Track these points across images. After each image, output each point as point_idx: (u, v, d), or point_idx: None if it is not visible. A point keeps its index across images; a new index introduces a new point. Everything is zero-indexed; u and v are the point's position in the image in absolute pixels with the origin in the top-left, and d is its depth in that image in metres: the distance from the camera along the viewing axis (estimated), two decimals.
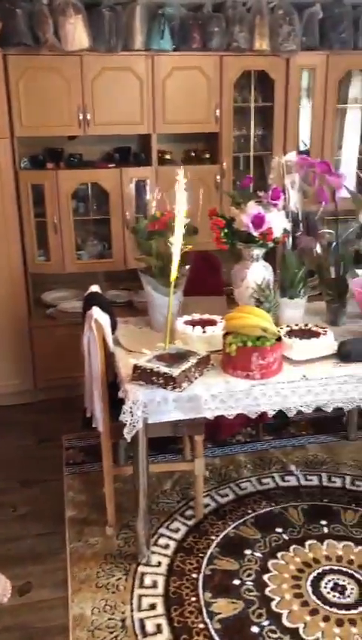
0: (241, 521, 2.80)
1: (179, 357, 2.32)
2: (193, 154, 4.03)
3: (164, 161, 3.92)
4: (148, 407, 2.27)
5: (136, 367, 2.28)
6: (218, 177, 3.90)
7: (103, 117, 3.65)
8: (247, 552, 2.61)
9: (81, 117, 3.61)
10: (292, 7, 3.67)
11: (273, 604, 2.33)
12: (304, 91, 3.94)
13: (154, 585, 2.45)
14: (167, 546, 2.66)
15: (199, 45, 3.69)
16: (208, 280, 3.38)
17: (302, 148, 4.01)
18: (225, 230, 2.57)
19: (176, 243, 2.32)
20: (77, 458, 3.33)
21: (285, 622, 2.25)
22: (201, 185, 3.69)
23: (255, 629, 2.23)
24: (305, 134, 4.02)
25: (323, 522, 2.77)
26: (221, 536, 2.71)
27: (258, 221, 2.48)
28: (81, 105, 3.60)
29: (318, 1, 3.73)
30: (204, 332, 2.51)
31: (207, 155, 4.00)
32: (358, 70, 3.98)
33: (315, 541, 2.65)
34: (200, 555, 2.60)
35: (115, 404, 2.52)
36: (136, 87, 3.66)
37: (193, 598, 2.38)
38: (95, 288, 2.89)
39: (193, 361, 2.30)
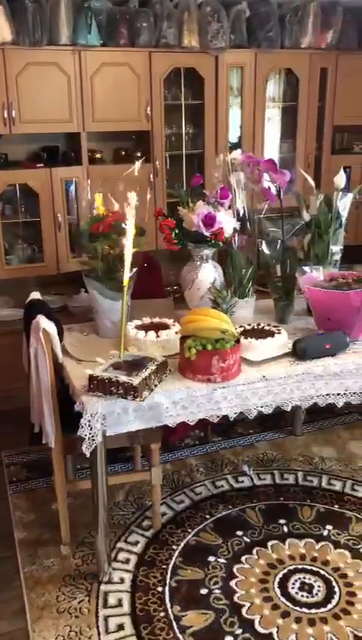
0: (201, 527, 2.74)
1: (136, 364, 2.23)
2: (124, 153, 3.93)
3: (94, 161, 3.80)
4: (107, 419, 2.15)
5: (92, 378, 2.16)
6: (151, 176, 3.82)
7: (29, 115, 3.47)
8: (211, 558, 2.55)
9: (5, 115, 3.41)
10: (219, 4, 3.64)
11: (244, 611, 2.29)
12: (234, 89, 3.93)
13: (120, 603, 2.34)
14: (127, 561, 2.56)
15: (127, 41, 3.59)
16: (148, 281, 3.29)
17: (229, 147, 4.00)
18: (176, 231, 2.49)
19: (129, 245, 2.22)
20: (20, 475, 3.14)
21: (258, 628, 2.21)
22: (134, 184, 3.61)
23: (229, 639, 2.17)
24: (234, 133, 4.02)
25: (282, 521, 2.76)
26: (182, 545, 2.63)
27: (209, 221, 2.43)
28: (5, 102, 3.40)
29: None
30: (158, 337, 2.43)
31: (139, 154, 3.91)
32: (279, 69, 4.01)
33: (277, 541, 2.64)
34: (163, 566, 2.52)
35: (65, 417, 2.39)
36: (63, 84, 3.51)
37: (161, 614, 2.29)
38: (36, 295, 2.73)
39: (152, 367, 2.21)
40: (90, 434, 2.13)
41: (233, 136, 4.02)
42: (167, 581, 2.43)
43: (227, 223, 2.51)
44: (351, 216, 4.29)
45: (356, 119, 4.27)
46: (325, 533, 2.68)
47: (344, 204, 2.76)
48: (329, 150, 4.28)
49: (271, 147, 4.22)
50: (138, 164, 2.20)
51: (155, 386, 2.21)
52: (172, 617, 2.26)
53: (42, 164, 3.67)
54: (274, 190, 2.68)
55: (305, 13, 3.84)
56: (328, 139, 4.26)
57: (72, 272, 3.65)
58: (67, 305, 3.83)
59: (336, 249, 2.82)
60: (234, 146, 4.00)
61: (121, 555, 2.58)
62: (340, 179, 2.75)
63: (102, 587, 2.41)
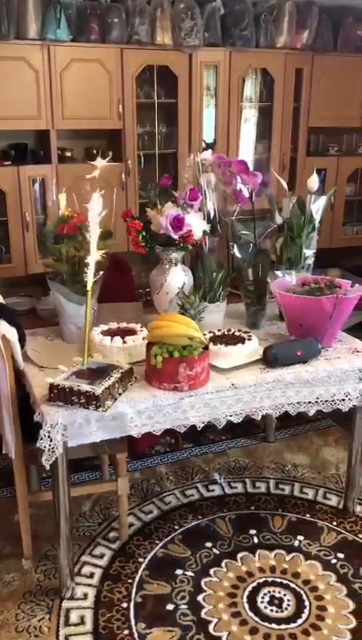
0: (169, 538, 2.66)
1: (99, 372, 2.13)
2: (95, 151, 3.82)
3: (64, 159, 3.69)
4: (68, 430, 2.06)
5: (52, 387, 2.06)
6: (123, 176, 3.73)
7: None
8: (178, 572, 2.47)
9: None
10: (193, 1, 3.56)
11: (211, 627, 2.21)
12: (208, 89, 3.85)
13: (82, 621, 2.24)
14: (92, 575, 2.46)
15: (98, 37, 3.49)
16: (117, 284, 3.20)
17: (203, 147, 3.92)
18: (143, 233, 2.41)
19: (93, 248, 2.12)
20: None
21: None
22: (105, 184, 3.51)
23: None
24: (209, 132, 3.94)
25: (253, 531, 2.69)
26: (149, 557, 2.55)
27: (177, 223, 2.34)
28: None
29: None
30: (124, 343, 2.34)
31: (110, 153, 3.81)
32: (254, 69, 3.95)
33: (247, 553, 2.57)
34: (129, 580, 2.43)
35: (26, 426, 2.29)
36: (31, 79, 3.39)
37: (125, 631, 2.20)
38: None
39: (116, 376, 2.11)
40: (49, 445, 2.04)
41: (209, 136, 3.95)
42: (133, 596, 2.35)
43: (196, 225, 2.43)
44: (326, 220, 4.27)
45: (331, 121, 4.22)
46: (296, 543, 2.62)
47: (317, 207, 2.69)
48: (304, 152, 4.23)
49: (247, 148, 4.15)
50: (100, 161, 2.10)
51: (119, 394, 2.12)
52: (136, 636, 2.18)
53: (10, 162, 3.55)
54: (246, 192, 2.60)
55: (281, 13, 3.78)
56: (303, 140, 4.20)
57: (40, 274, 3.51)
58: (35, 307, 3.71)
59: (309, 253, 2.76)
60: (210, 146, 3.93)
61: (86, 569, 2.49)
62: (313, 181, 2.69)
63: (65, 604, 2.31)
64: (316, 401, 2.44)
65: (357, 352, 2.55)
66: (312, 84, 4.07)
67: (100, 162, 2.11)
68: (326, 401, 2.46)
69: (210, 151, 2.61)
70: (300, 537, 2.65)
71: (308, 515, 2.79)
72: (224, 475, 3.10)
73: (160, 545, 2.62)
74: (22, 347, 2.38)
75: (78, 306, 2.52)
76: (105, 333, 2.44)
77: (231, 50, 3.76)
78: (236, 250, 2.74)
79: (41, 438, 2.03)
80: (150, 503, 2.89)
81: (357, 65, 4.12)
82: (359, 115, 4.26)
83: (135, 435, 2.19)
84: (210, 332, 2.48)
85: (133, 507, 2.85)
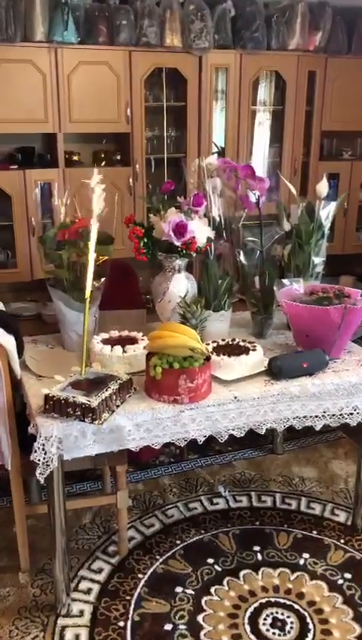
0: (170, 553, 2.58)
1: (97, 383, 2.07)
2: (103, 155, 3.77)
3: (71, 163, 3.64)
4: (63, 443, 1.99)
5: (48, 398, 1.99)
6: (131, 180, 3.67)
7: (3, 114, 3.31)
8: (178, 589, 2.39)
9: None
10: (203, 2, 3.50)
11: None
12: (218, 92, 3.78)
13: None
14: (89, 591, 2.39)
15: (106, 39, 3.44)
16: (123, 290, 3.13)
17: (213, 150, 3.85)
18: (145, 240, 2.34)
19: (91, 254, 2.06)
20: None
21: None
22: (113, 188, 3.46)
23: None
24: (219, 136, 3.87)
25: (256, 548, 2.60)
26: (148, 573, 2.47)
27: (180, 230, 2.27)
28: None
29: None
30: (124, 352, 2.27)
31: (118, 157, 3.76)
32: (266, 72, 3.87)
33: (250, 570, 2.48)
34: (127, 597, 2.35)
35: (24, 436, 2.22)
36: (39, 82, 3.35)
37: None
38: None
39: (114, 387, 2.04)
40: (44, 459, 1.97)
41: (220, 140, 3.87)
42: (130, 614, 2.27)
43: (200, 232, 2.36)
44: (339, 225, 4.18)
45: (345, 124, 4.12)
46: (301, 562, 2.52)
47: (326, 213, 2.60)
48: (317, 156, 4.13)
49: (258, 152, 4.08)
50: (96, 176, 2.03)
51: (117, 407, 2.05)
52: None
53: (16, 166, 3.51)
54: (253, 198, 2.52)
55: (293, 14, 3.70)
56: (316, 144, 4.11)
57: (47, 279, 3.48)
58: (41, 313, 3.67)
59: (318, 260, 2.67)
60: (221, 150, 3.86)
61: (83, 585, 2.42)
62: (322, 187, 2.60)
63: (60, 621, 2.24)
64: (323, 415, 2.34)
65: None
66: (325, 87, 3.99)
67: (95, 180, 2.03)
68: (334, 415, 2.36)
69: (215, 155, 2.54)
70: (306, 555, 2.56)
71: (314, 532, 2.70)
72: (229, 487, 3.02)
73: (160, 560, 2.54)
74: (20, 355, 2.32)
75: (78, 314, 2.46)
76: (105, 341, 2.38)
77: (241, 53, 3.69)
78: (242, 257, 2.66)
79: (35, 451, 1.96)
80: (152, 516, 2.81)
81: None
82: None
83: (133, 449, 2.11)
84: (213, 342, 2.41)
85: (135, 519, 2.78)
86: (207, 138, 3.78)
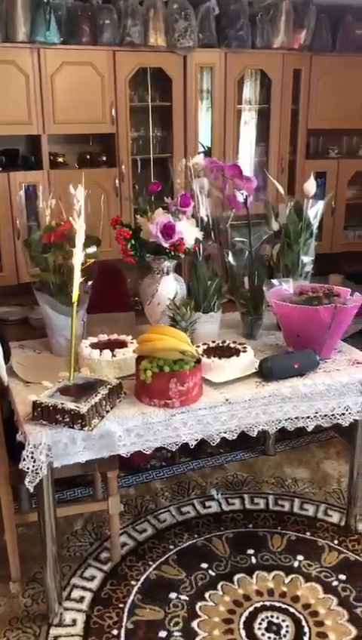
0: (163, 559, 2.55)
1: (86, 388, 2.03)
2: (88, 156, 3.73)
3: (56, 165, 3.60)
4: (52, 450, 1.95)
5: (36, 405, 1.96)
6: (117, 181, 3.63)
7: None
8: (172, 595, 2.36)
9: None
10: (187, 1, 3.47)
11: None
12: (204, 91, 3.75)
13: None
14: (81, 599, 2.35)
15: (89, 39, 3.40)
16: (111, 293, 3.10)
17: (200, 150, 3.82)
18: (132, 242, 2.30)
19: (77, 257, 2.02)
20: None
21: None
22: (99, 190, 3.42)
23: None
24: (205, 136, 3.84)
25: (250, 551, 2.57)
26: (142, 579, 2.44)
27: (168, 231, 2.24)
28: None
29: None
30: (113, 356, 2.23)
31: (104, 158, 3.72)
32: (251, 71, 3.85)
33: (244, 574, 2.45)
34: (120, 605, 2.32)
35: (13, 444, 2.18)
36: (22, 83, 3.30)
37: None
38: None
39: (103, 392, 2.01)
40: (33, 467, 1.93)
41: (206, 139, 3.85)
42: (124, 622, 2.24)
43: (188, 232, 2.33)
44: (327, 224, 4.17)
45: (331, 122, 4.12)
46: (296, 564, 2.50)
47: (314, 213, 2.58)
48: (303, 155, 4.12)
49: (245, 151, 4.06)
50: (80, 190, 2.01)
51: (107, 412, 2.02)
52: None
53: (0, 168, 3.46)
54: (240, 197, 2.50)
55: (277, 12, 3.68)
56: (302, 143, 4.10)
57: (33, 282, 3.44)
58: (28, 317, 3.62)
59: (307, 260, 2.66)
60: (207, 150, 3.83)
61: (75, 593, 2.38)
62: (310, 186, 2.58)
63: (52, 631, 2.20)
64: (315, 416, 2.33)
65: (358, 363, 2.43)
66: (311, 85, 3.97)
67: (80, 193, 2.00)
68: (326, 415, 2.35)
69: (202, 155, 2.51)
70: (300, 557, 2.53)
71: (308, 534, 2.68)
72: (222, 490, 2.99)
73: (153, 566, 2.51)
74: (6, 361, 2.28)
75: (66, 318, 2.41)
76: (94, 345, 2.34)
77: (226, 52, 3.66)
78: (231, 258, 2.64)
79: (24, 459, 1.92)
80: (144, 521, 2.78)
81: (357, 65, 4.01)
82: (359, 116, 4.16)
83: (124, 455, 2.08)
84: (203, 344, 2.38)
85: (127, 525, 2.74)
86: (193, 138, 3.76)
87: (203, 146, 3.79)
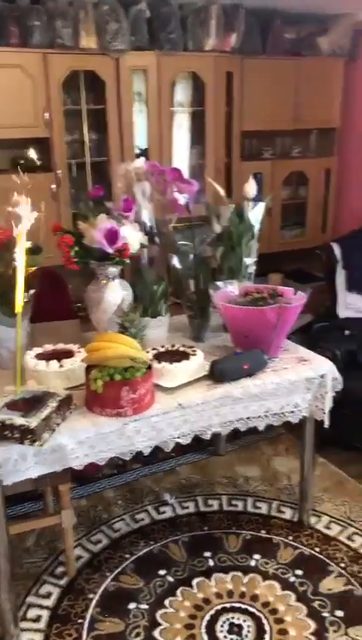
0: (120, 569, 2.51)
1: (34, 402, 1.97)
2: (22, 161, 3.62)
3: None
4: (2, 468, 1.88)
5: None
6: (53, 187, 3.55)
7: None
8: (132, 605, 2.33)
9: None
10: (117, 3, 3.43)
11: None
12: (138, 94, 3.73)
13: None
14: (38, 618, 2.28)
15: (18, 41, 3.31)
16: (53, 301, 3.02)
17: (137, 153, 3.80)
18: (76, 248, 2.25)
19: (20, 266, 1.96)
20: None
21: None
22: (36, 196, 3.33)
23: None
24: (141, 139, 3.82)
25: (207, 554, 2.57)
26: (99, 592, 2.39)
27: (112, 236, 2.20)
28: None
29: None
30: (61, 366, 2.18)
31: (39, 163, 3.63)
32: (184, 73, 3.86)
33: (202, 578, 2.45)
34: (80, 620, 2.27)
35: None
36: None
37: None
38: None
39: (52, 405, 1.95)
40: None
41: (142, 143, 3.83)
42: (84, 638, 2.19)
43: (132, 237, 2.30)
44: (264, 225, 4.21)
45: (264, 124, 4.18)
46: (252, 563, 2.52)
47: (256, 214, 2.61)
48: (238, 156, 4.17)
49: (181, 154, 4.06)
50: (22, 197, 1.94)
51: (57, 425, 1.96)
52: None
53: None
54: (182, 201, 2.49)
55: (207, 16, 3.70)
56: (237, 145, 4.14)
57: None
58: None
59: (250, 261, 2.68)
60: (143, 153, 3.81)
61: (32, 612, 2.31)
62: (250, 188, 2.61)
63: None
64: (266, 415, 2.35)
65: (304, 361, 2.48)
66: (244, 87, 4.02)
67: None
68: (276, 414, 2.38)
69: (142, 159, 2.49)
70: (256, 556, 2.56)
71: (263, 532, 2.70)
72: (175, 494, 2.98)
73: (111, 577, 2.47)
74: None
75: (8, 329, 2.33)
76: (40, 356, 2.27)
77: (158, 54, 3.65)
78: (175, 261, 2.63)
79: None
80: (98, 532, 2.73)
81: (287, 67, 4.10)
82: (291, 118, 4.24)
83: (76, 468, 2.03)
84: (153, 349, 2.36)
85: (81, 537, 2.69)
86: (129, 141, 3.73)
87: (139, 149, 3.78)
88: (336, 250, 3.84)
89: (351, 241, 3.88)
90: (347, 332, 3.44)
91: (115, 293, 2.35)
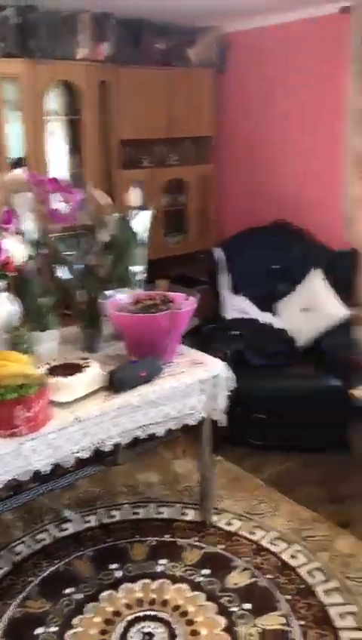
0: (25, 594, 2.41)
1: None
2: None
3: None
4: None
5: None
6: None
7: None
8: (39, 630, 2.24)
9: None
10: None
11: None
12: (11, 102, 3.62)
13: None
14: None
15: None
16: None
17: (9, 162, 3.68)
18: None
19: None
20: None
21: None
22: None
23: None
24: (17, 148, 3.70)
25: (114, 565, 2.55)
26: (5, 622, 2.28)
27: None
28: None
29: (10, 5, 3.45)
30: None
31: None
32: (57, 82, 3.81)
33: (111, 591, 2.42)
34: None
35: None
36: None
37: None
38: None
39: None
40: None
41: (18, 152, 3.71)
42: None
43: (15, 250, 2.23)
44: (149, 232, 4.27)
45: (140, 133, 4.22)
46: (160, 569, 2.53)
47: (142, 222, 2.63)
48: (118, 165, 4.18)
49: (60, 163, 3.99)
50: None
51: None
52: None
53: None
54: (65, 210, 2.45)
55: (77, 24, 3.68)
56: (116, 153, 4.15)
57: None
58: None
59: (139, 269, 2.70)
60: (18, 162, 3.70)
61: None
62: (133, 197, 2.63)
63: None
64: (164, 420, 2.37)
65: (198, 363, 2.53)
66: (119, 96, 4.03)
67: None
68: (174, 417, 2.41)
69: (21, 169, 2.42)
70: (163, 561, 2.57)
71: (167, 536, 2.72)
72: (75, 510, 2.92)
73: (15, 604, 2.36)
74: None
75: None
76: None
77: (29, 62, 3.57)
78: (62, 272, 2.58)
79: None
80: None
81: (160, 77, 4.17)
82: (165, 127, 4.32)
83: None
84: (46, 363, 2.30)
85: None
86: (2, 151, 3.60)
87: (15, 160, 3.66)
88: (218, 254, 3.96)
89: (232, 245, 4.02)
90: (234, 332, 3.55)
91: (2, 308, 2.26)
